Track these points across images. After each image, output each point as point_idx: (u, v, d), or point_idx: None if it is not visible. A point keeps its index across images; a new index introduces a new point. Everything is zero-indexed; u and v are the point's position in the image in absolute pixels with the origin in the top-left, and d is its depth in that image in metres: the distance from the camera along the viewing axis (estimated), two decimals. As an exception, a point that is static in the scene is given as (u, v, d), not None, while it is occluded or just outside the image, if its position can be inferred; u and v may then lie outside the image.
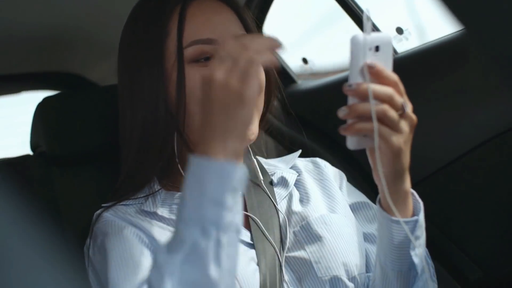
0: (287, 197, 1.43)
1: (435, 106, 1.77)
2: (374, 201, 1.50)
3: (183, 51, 1.32)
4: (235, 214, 1.06)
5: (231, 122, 1.04)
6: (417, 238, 1.23)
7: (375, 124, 1.10)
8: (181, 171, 1.34)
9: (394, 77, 1.12)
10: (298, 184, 1.47)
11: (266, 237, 1.33)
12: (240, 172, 1.05)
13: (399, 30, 1.81)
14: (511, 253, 1.81)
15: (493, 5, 0.49)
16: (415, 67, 1.80)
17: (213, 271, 1.03)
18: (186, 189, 1.06)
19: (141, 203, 1.35)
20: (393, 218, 1.20)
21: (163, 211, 1.33)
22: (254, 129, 1.33)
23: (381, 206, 1.23)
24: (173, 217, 1.31)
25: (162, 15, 1.35)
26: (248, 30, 1.41)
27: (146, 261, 1.21)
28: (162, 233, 1.28)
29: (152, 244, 1.26)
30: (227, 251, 1.04)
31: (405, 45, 1.86)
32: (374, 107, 1.09)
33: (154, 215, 1.33)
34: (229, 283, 1.05)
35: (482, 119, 1.73)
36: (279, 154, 1.73)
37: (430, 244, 1.28)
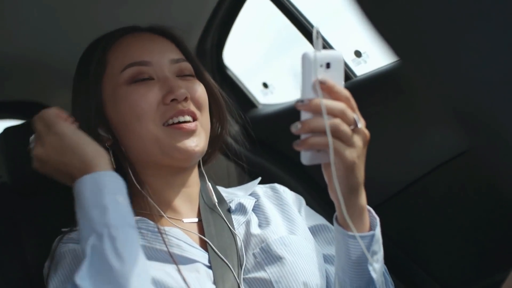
0: (245, 223, 1.45)
1: (393, 129, 1.79)
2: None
3: (120, 74, 1.39)
4: (123, 213, 1.21)
5: None
6: (374, 253, 1.24)
7: (330, 137, 1.11)
8: (141, 192, 1.38)
9: (346, 92, 1.14)
10: (256, 209, 1.49)
11: (225, 262, 1.34)
12: (111, 177, 1.23)
13: (357, 53, 1.83)
14: (470, 270, 1.84)
15: (426, 39, 0.51)
16: (361, 94, 1.83)
17: (115, 262, 1.14)
18: (79, 210, 1.23)
19: None
20: (349, 233, 1.22)
21: None
22: (198, 142, 1.38)
23: (337, 222, 1.24)
24: None
25: (95, 51, 1.44)
26: (186, 56, 1.46)
27: None
28: None
29: None
30: (123, 243, 1.16)
31: (364, 67, 1.88)
32: (327, 120, 1.10)
33: None
34: (140, 272, 1.15)
35: (437, 143, 1.76)
36: (241, 180, 1.74)
37: (391, 262, 1.29)
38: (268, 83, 2.27)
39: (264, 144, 1.72)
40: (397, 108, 1.80)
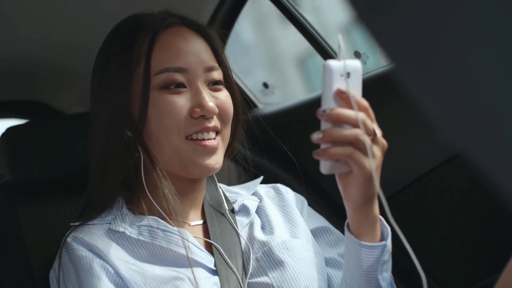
0: (248, 225, 1.45)
1: (387, 132, 1.80)
2: (335, 224, 1.53)
3: (153, 78, 1.36)
4: None
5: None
6: (384, 262, 1.25)
7: (367, 141, 1.12)
8: (148, 195, 1.37)
9: (365, 103, 1.14)
10: (259, 210, 1.50)
11: (228, 265, 1.35)
12: None
13: (357, 54, 1.84)
14: (470, 271, 1.84)
15: (421, 42, 0.52)
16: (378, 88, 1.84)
17: None
18: None
19: (109, 223, 1.38)
20: (362, 242, 1.22)
21: (131, 232, 1.36)
22: (218, 159, 1.38)
23: (349, 230, 1.25)
24: (142, 238, 1.35)
25: (134, 42, 1.38)
26: (219, 61, 1.44)
27: None
28: (129, 255, 1.33)
29: (117, 273, 1.31)
30: None
31: (363, 68, 1.88)
32: (360, 119, 1.11)
33: (122, 235, 1.36)
34: None
35: (431, 145, 1.77)
36: (241, 180, 1.75)
37: (393, 265, 1.30)
38: (269, 83, 2.28)
39: (265, 144, 1.73)
40: (391, 111, 1.81)
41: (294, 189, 1.60)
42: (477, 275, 1.80)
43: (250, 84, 2.25)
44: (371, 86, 1.83)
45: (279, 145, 1.69)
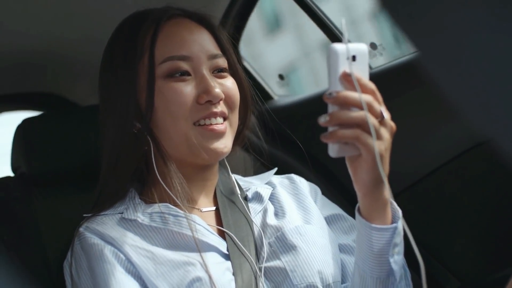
0: (261, 212, 1.46)
1: (409, 118, 1.79)
2: (349, 213, 1.53)
3: (158, 67, 1.38)
4: None
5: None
6: (395, 245, 1.25)
7: (371, 124, 1.12)
8: (161, 183, 1.38)
9: (372, 85, 1.15)
10: (272, 198, 1.50)
11: (242, 253, 1.36)
12: None
13: (373, 46, 1.83)
14: (488, 262, 1.83)
15: (445, 31, 0.52)
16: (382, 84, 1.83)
17: None
18: None
19: (121, 212, 1.39)
20: (373, 225, 1.23)
21: (143, 219, 1.37)
22: (226, 143, 1.39)
23: (360, 214, 1.25)
24: (154, 224, 1.36)
25: (137, 35, 1.41)
26: (223, 49, 1.46)
27: (127, 281, 1.30)
28: (141, 242, 1.35)
29: (128, 260, 1.33)
30: None
31: (379, 60, 1.88)
32: (365, 101, 1.12)
33: (134, 223, 1.37)
34: None
35: (453, 134, 1.76)
36: (257, 172, 1.75)
37: (406, 254, 1.29)
38: (284, 74, 2.28)
39: (280, 136, 1.73)
40: (412, 100, 1.80)
41: (308, 180, 1.60)
42: (498, 266, 1.79)
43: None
44: (389, 75, 1.84)
45: (294, 137, 1.69)
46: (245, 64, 2.13)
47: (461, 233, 1.85)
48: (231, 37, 1.54)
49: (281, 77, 2.25)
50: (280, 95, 2.22)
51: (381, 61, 1.90)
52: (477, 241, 1.84)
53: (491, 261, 1.84)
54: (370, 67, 1.87)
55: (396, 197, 1.63)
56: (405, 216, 1.26)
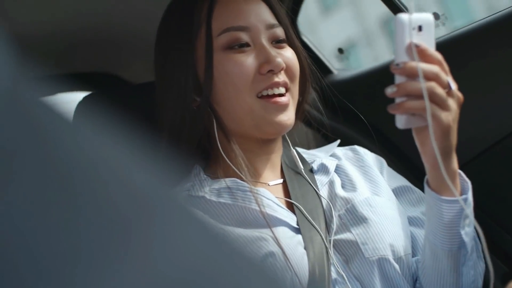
0: (328, 183, 1.44)
1: (481, 85, 1.75)
2: (415, 187, 1.51)
3: (216, 39, 1.37)
4: None
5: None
6: (466, 217, 1.23)
7: (427, 101, 1.11)
8: (225, 158, 1.37)
9: (438, 56, 1.14)
10: (338, 170, 1.48)
11: (312, 224, 1.34)
12: None
13: (436, 15, 1.78)
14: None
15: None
16: (459, 48, 1.78)
17: None
18: None
19: (188, 190, 1.38)
20: (443, 197, 1.21)
21: (211, 195, 1.35)
22: (290, 115, 1.37)
23: (429, 186, 1.24)
24: (222, 200, 1.34)
25: (193, 7, 1.39)
26: (279, 20, 1.44)
27: None
28: (210, 219, 1.31)
29: None
30: None
31: (441, 30, 1.84)
32: (424, 83, 1.10)
33: (202, 200, 1.35)
34: None
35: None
36: (319, 145, 1.73)
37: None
38: (344, 48, 2.24)
39: (341, 109, 1.71)
40: (479, 69, 1.76)
41: (373, 153, 1.58)
42: None
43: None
44: (454, 45, 1.79)
45: (356, 110, 1.67)
46: (303, 38, 2.10)
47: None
48: (290, 11, 1.51)
49: (340, 51, 2.22)
50: (339, 68, 2.19)
51: (443, 32, 1.86)
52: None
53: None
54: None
55: (465, 165, 1.59)
56: (474, 186, 1.25)
